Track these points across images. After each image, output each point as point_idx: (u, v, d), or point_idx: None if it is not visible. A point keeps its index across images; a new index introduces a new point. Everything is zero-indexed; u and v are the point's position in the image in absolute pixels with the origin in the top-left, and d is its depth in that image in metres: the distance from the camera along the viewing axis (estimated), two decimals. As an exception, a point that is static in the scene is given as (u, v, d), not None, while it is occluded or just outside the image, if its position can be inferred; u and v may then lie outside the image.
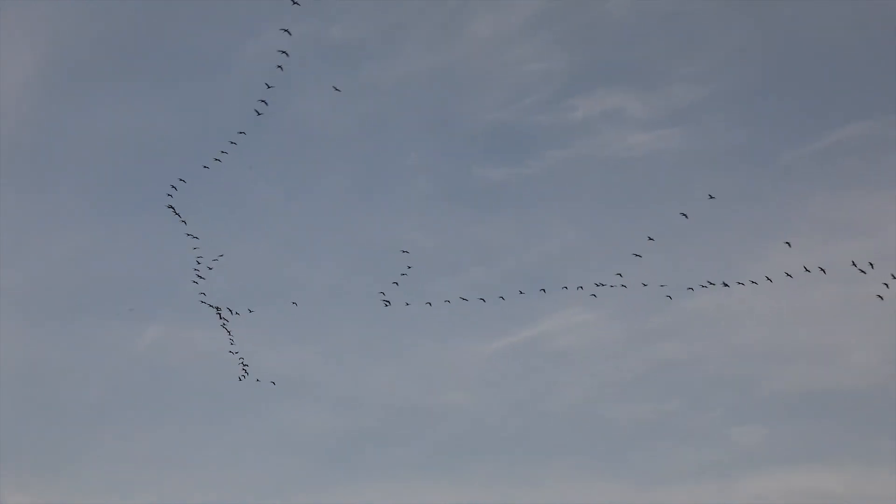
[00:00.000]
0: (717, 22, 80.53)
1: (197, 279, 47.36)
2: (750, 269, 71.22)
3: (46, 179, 76.43)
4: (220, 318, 47.79)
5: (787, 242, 47.00)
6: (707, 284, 46.63)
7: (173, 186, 45.31)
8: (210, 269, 47.32)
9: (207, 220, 76.66)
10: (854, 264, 41.92)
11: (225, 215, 77.28)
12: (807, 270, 43.85)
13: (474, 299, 48.01)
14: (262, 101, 42.66)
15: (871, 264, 41.70)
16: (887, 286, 42.16)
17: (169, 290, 71.34)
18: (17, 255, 73.16)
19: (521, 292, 48.35)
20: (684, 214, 48.08)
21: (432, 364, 67.34)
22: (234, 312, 47.63)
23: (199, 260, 47.28)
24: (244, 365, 48.03)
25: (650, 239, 49.21)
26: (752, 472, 62.46)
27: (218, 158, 45.10)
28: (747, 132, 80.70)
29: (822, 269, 43.78)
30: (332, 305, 71.01)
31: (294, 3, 40.20)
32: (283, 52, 41.35)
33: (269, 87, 42.74)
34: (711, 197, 47.30)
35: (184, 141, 75.75)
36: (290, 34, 40.59)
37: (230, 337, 47.85)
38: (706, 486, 61.95)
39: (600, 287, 47.44)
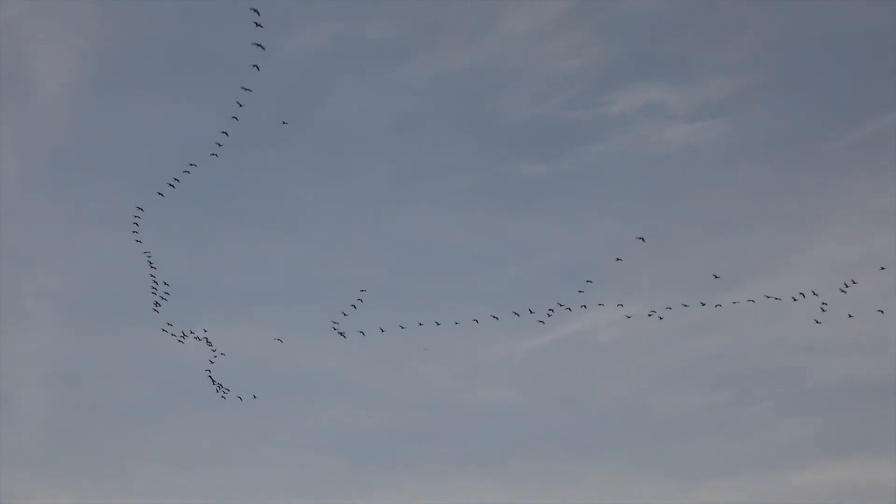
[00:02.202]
0: (752, 11, 79.97)
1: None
2: (793, 260, 71.02)
3: (89, 185, 77.13)
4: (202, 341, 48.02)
5: None
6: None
7: (171, 183, 45.58)
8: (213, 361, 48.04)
9: (249, 220, 77.28)
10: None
11: (266, 215, 77.71)
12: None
13: (486, 317, 48.41)
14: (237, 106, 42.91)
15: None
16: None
17: (210, 291, 71.76)
18: (60, 260, 73.83)
19: (530, 311, 48.39)
20: (641, 238, 48.31)
21: (475, 361, 67.14)
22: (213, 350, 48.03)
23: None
24: (224, 389, 48.23)
25: (640, 238, 49.13)
26: (800, 464, 61.92)
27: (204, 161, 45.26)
28: (785, 122, 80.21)
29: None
30: (373, 303, 71.05)
31: (258, 45, 40.65)
32: (255, 66, 41.51)
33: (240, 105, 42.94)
34: (642, 239, 48.08)
35: (227, 142, 76.05)
36: (263, 49, 40.72)
37: (213, 354, 48.00)
38: (754, 480, 61.47)
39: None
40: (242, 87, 41.89)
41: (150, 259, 47.18)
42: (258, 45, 40.86)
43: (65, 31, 77.67)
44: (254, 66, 41.15)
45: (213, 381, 48.19)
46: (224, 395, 48.38)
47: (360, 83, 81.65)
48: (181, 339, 47.97)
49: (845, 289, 44.95)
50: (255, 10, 39.62)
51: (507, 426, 67.99)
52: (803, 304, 45.86)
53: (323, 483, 64.69)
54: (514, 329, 50.38)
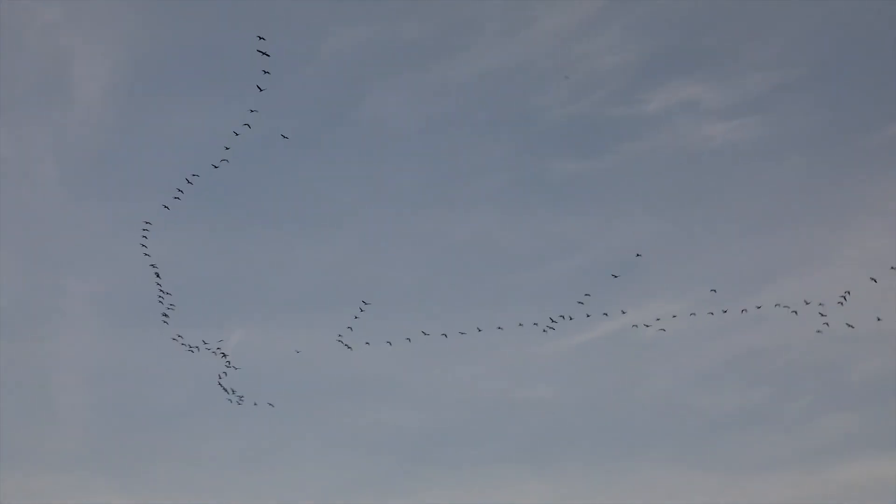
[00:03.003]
0: (789, 6, 79.50)
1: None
2: (832, 254, 70.74)
3: (128, 188, 78.01)
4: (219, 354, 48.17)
5: None
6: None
7: (189, 181, 46.01)
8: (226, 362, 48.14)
9: (285, 222, 78.06)
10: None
11: (302, 217, 78.40)
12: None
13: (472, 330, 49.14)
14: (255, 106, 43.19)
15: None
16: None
17: (250, 292, 72.49)
18: (101, 262, 74.83)
19: (535, 324, 49.06)
20: (639, 255, 48.93)
21: (515, 358, 67.40)
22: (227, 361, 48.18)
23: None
24: (238, 396, 48.28)
25: (638, 255, 49.78)
26: (843, 460, 61.69)
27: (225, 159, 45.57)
28: (824, 118, 79.74)
29: None
30: (412, 303, 71.57)
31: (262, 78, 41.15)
32: (265, 71, 41.93)
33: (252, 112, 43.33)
34: (638, 255, 48.96)
35: (261, 145, 76.88)
36: (268, 56, 41.17)
37: (227, 364, 48.12)
38: (797, 475, 61.34)
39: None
40: (258, 86, 42.27)
41: (156, 271, 47.55)
42: (263, 54, 41.23)
43: (102, 36, 78.79)
44: (264, 71, 41.55)
45: (224, 388, 48.32)
46: (239, 402, 48.52)
47: (395, 84, 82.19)
48: (192, 349, 48.14)
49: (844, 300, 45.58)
50: (261, 37, 40.12)
51: (550, 424, 68.26)
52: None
53: (364, 484, 65.26)
54: (557, 326, 50.56)
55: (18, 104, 76.64)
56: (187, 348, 47.92)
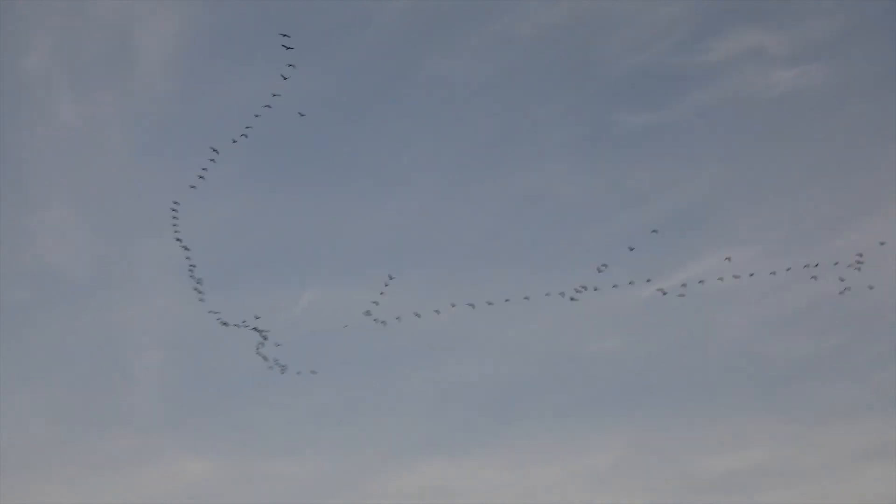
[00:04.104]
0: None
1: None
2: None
3: (196, 154, 78.87)
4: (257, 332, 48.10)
5: None
6: None
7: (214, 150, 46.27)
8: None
9: (354, 182, 78.63)
10: None
11: (372, 176, 78.91)
12: None
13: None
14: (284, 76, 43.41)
15: None
16: None
17: (322, 252, 73.32)
18: (170, 227, 75.83)
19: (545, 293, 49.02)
20: (655, 231, 48.42)
21: (586, 310, 67.45)
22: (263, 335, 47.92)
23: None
24: (280, 365, 47.89)
25: (654, 231, 49.34)
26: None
27: (244, 134, 45.77)
28: (893, 61, 78.37)
29: None
30: (483, 258, 71.95)
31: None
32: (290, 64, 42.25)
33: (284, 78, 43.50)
34: (654, 231, 48.39)
35: (327, 106, 77.41)
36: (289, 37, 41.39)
37: (263, 338, 47.78)
38: (870, 423, 61.02)
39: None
40: (288, 64, 42.57)
41: (188, 254, 47.81)
42: (284, 35, 41.48)
43: (164, 2, 79.38)
44: (289, 65, 41.93)
45: (264, 358, 47.90)
46: (282, 371, 48.31)
47: (456, 42, 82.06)
48: (225, 323, 47.88)
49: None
50: (285, 35, 40.39)
51: (620, 376, 68.47)
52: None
53: (442, 437, 66.02)
54: (626, 278, 50.64)
55: (84, 74, 77.73)
56: (221, 323, 47.97)
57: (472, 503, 62.97)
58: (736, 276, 49.15)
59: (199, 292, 47.42)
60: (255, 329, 47.45)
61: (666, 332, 68.90)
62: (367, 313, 47.93)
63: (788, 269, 48.38)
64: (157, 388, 68.48)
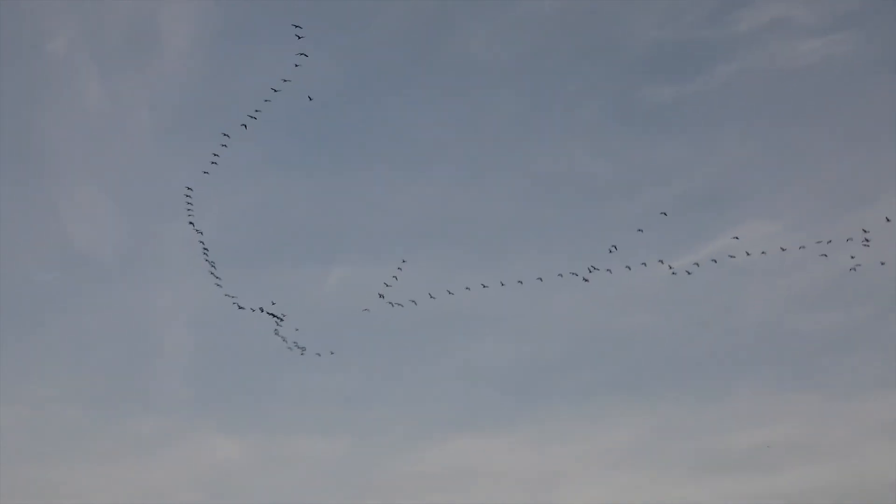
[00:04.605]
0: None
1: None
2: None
3: (219, 132, 79.02)
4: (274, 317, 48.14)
5: None
6: None
7: (226, 135, 46.58)
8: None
9: (378, 160, 78.64)
10: None
11: (395, 155, 78.92)
12: None
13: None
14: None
15: None
16: None
17: (350, 231, 73.51)
18: (204, 205, 76.20)
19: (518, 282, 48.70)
20: (640, 230, 48.02)
21: (614, 288, 67.21)
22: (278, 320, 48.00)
23: None
24: (300, 347, 48.22)
25: (663, 214, 48.93)
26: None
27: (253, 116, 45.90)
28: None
29: None
30: (509, 236, 71.83)
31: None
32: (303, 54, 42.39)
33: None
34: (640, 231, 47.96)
35: (349, 87, 77.40)
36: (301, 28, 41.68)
37: (279, 323, 47.89)
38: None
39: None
40: (299, 53, 42.86)
41: (201, 238, 47.92)
42: (297, 27, 41.80)
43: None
44: (301, 54, 42.14)
45: (283, 339, 48.45)
46: (302, 352, 48.75)
47: (482, 19, 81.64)
48: (242, 307, 48.25)
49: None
50: (297, 26, 40.71)
51: (651, 351, 68.21)
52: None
53: (470, 415, 66.15)
54: (654, 253, 50.37)
55: (110, 58, 78.10)
56: (238, 307, 48.33)
57: (498, 481, 63.20)
58: (762, 252, 48.67)
59: (216, 276, 47.79)
60: (271, 314, 47.83)
61: (696, 305, 68.57)
62: (381, 296, 48.28)
63: (801, 248, 47.93)
64: (184, 369, 69.00)
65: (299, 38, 41.88)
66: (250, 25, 79.85)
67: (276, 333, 47.53)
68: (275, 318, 47.36)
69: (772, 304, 68.19)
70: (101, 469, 61.65)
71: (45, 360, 68.07)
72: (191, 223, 47.72)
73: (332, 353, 49.65)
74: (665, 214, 48.49)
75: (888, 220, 45.21)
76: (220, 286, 47.28)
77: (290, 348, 47.94)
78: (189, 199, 47.37)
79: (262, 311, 47.52)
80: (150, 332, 71.05)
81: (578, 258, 50.44)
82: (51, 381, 66.98)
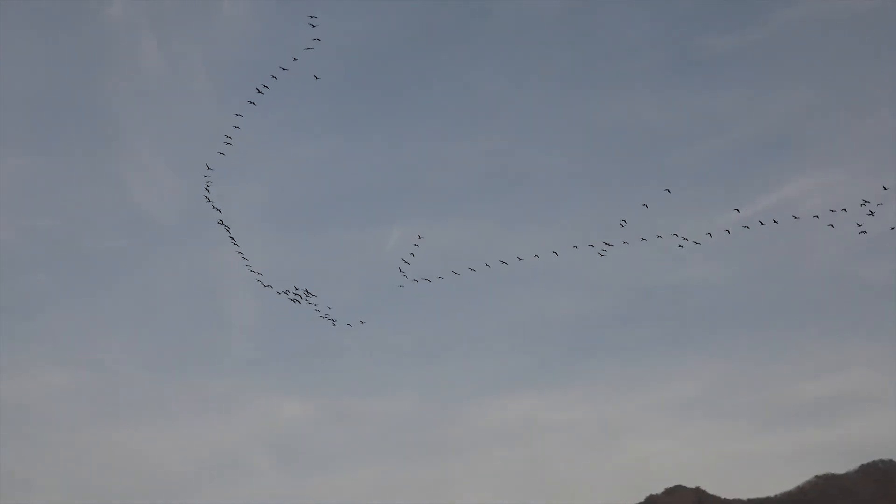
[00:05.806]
0: None
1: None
2: None
3: (282, 95, 79.64)
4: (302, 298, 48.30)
5: None
6: None
7: (258, 91, 47.44)
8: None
9: (439, 116, 78.73)
10: None
11: (454, 111, 78.97)
12: None
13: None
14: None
15: None
16: None
17: (407, 189, 73.93)
18: (258, 170, 77.03)
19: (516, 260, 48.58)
20: (645, 205, 48.00)
21: (676, 240, 67.01)
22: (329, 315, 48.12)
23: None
24: (332, 319, 48.57)
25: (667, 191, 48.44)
26: None
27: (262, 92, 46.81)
28: None
29: None
30: (569, 189, 71.74)
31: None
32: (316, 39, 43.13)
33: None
34: (667, 191, 48.02)
35: (411, 47, 77.44)
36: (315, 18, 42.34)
37: (295, 300, 48.06)
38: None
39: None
40: (310, 15, 44.02)
41: (215, 206, 48.50)
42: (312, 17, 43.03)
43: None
44: (314, 40, 43.20)
45: (317, 309, 49.05)
46: (334, 323, 49.54)
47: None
48: (268, 286, 48.88)
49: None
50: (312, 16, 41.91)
51: (715, 302, 68.08)
52: None
53: (526, 372, 66.76)
54: (713, 205, 50.05)
55: (169, 24, 78.88)
56: (263, 285, 49.32)
57: (562, 434, 63.59)
58: (830, 210, 48.16)
59: (244, 257, 48.53)
60: (297, 294, 48.68)
61: (760, 256, 68.00)
62: (402, 272, 49.16)
63: (844, 210, 47.75)
64: (251, 331, 70.18)
65: (313, 26, 43.38)
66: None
67: (306, 303, 48.19)
68: (303, 298, 48.08)
69: (838, 251, 67.59)
70: (172, 430, 63.23)
71: (116, 323, 69.64)
72: (206, 198, 48.33)
73: (361, 323, 50.65)
74: (646, 206, 47.27)
75: None
76: (248, 266, 48.05)
77: (322, 318, 49.07)
78: (208, 175, 48.20)
79: (287, 293, 48.49)
80: (219, 295, 72.58)
81: (633, 210, 50.27)
82: (122, 344, 68.57)
